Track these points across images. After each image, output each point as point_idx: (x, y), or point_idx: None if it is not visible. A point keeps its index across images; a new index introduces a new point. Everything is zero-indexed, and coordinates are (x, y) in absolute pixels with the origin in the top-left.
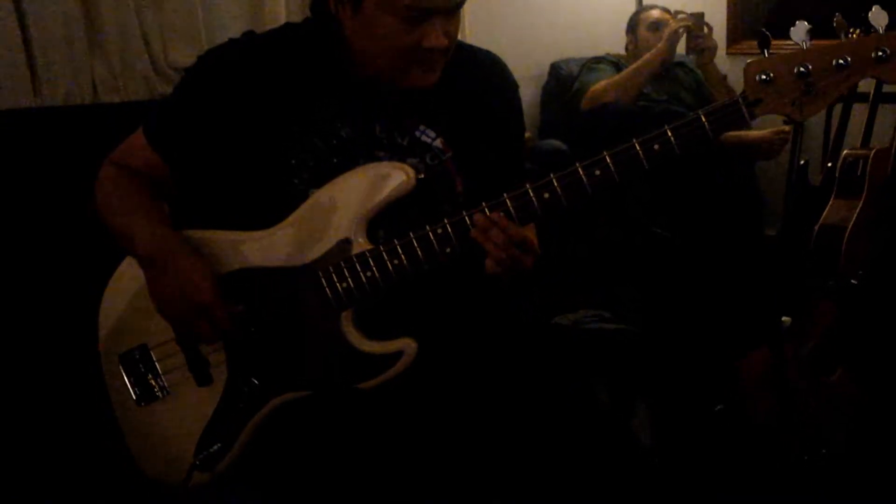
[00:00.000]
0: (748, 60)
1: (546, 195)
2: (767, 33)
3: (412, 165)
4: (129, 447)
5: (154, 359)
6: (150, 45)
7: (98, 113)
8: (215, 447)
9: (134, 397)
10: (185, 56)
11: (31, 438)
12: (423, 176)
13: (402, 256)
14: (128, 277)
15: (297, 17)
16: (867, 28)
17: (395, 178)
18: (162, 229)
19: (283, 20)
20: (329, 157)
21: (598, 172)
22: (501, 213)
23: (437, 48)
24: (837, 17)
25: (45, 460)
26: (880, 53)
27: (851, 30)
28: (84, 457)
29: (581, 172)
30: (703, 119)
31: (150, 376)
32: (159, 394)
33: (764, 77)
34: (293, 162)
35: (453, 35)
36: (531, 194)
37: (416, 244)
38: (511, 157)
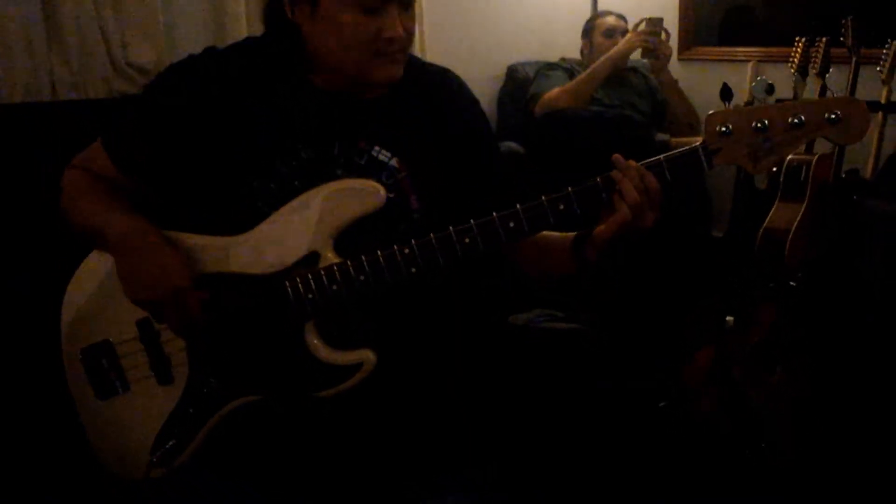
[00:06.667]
0: (710, 111)
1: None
2: (730, 87)
3: None
4: (88, 440)
5: (118, 355)
6: (109, 43)
7: (57, 111)
8: (171, 444)
9: (94, 391)
10: (144, 55)
11: None
12: (392, 195)
13: (369, 272)
14: (92, 273)
15: (257, 16)
16: (811, 39)
17: (366, 194)
18: (135, 216)
19: (243, 19)
20: (291, 180)
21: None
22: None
23: (396, 38)
24: None
25: (5, 453)
26: (832, 116)
27: (797, 39)
28: (44, 449)
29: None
30: (664, 164)
31: (111, 372)
32: (120, 389)
33: (724, 129)
34: (255, 184)
35: (410, 29)
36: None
37: (382, 261)
38: (484, 171)
